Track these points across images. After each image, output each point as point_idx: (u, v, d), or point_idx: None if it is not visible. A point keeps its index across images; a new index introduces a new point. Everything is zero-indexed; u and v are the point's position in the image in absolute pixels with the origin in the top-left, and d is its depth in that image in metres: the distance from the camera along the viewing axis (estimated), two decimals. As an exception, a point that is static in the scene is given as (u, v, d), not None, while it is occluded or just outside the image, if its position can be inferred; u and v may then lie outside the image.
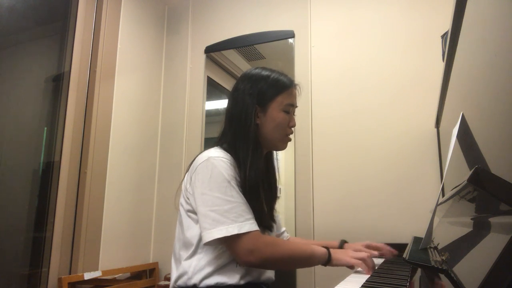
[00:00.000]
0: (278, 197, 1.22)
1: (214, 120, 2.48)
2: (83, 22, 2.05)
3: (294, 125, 1.14)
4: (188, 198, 1.04)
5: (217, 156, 1.00)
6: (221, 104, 2.72)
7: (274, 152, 1.23)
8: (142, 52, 2.33)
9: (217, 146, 1.09)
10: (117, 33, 2.14)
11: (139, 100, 2.28)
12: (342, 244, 1.26)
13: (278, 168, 1.23)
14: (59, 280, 1.69)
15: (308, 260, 1.02)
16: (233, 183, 0.98)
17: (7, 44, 1.83)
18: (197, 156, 1.07)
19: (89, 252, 1.87)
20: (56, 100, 1.95)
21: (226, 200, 0.95)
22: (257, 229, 0.96)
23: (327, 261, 1.02)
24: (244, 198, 0.98)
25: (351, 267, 1.05)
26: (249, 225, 0.94)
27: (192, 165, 1.06)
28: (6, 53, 1.82)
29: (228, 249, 0.97)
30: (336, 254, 1.04)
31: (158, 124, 2.42)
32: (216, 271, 0.98)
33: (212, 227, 0.93)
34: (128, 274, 2.09)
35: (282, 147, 1.15)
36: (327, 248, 1.04)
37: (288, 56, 2.16)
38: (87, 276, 1.78)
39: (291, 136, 1.15)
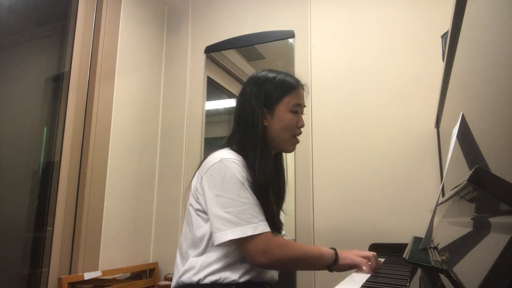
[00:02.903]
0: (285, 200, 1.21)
1: (214, 120, 2.49)
2: (83, 22, 2.05)
3: (302, 125, 1.13)
4: (198, 198, 1.04)
5: (230, 157, 1.01)
6: (221, 104, 2.72)
7: (283, 153, 1.23)
8: (142, 52, 2.33)
9: (227, 147, 1.09)
10: (117, 33, 2.14)
11: (139, 100, 2.28)
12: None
13: (287, 169, 1.23)
14: (59, 280, 1.69)
15: (317, 260, 1.03)
16: (246, 184, 0.99)
17: (7, 44, 1.83)
18: (208, 156, 1.07)
19: (89, 252, 1.87)
20: (56, 100, 1.95)
21: (240, 202, 0.96)
22: (269, 230, 0.97)
23: (335, 260, 1.03)
24: (256, 200, 0.99)
25: (356, 266, 1.05)
26: (263, 226, 0.96)
27: (203, 165, 1.06)
28: (6, 53, 1.82)
29: (241, 249, 0.98)
30: (343, 253, 1.04)
31: (158, 124, 2.42)
32: (222, 268, 0.99)
33: (227, 228, 0.94)
34: (128, 274, 2.09)
35: (290, 149, 1.14)
36: (334, 248, 1.05)
37: (288, 56, 2.15)
38: (87, 276, 1.78)
39: (299, 137, 1.15)
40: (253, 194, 0.99)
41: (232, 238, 0.93)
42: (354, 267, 1.04)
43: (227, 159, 1.00)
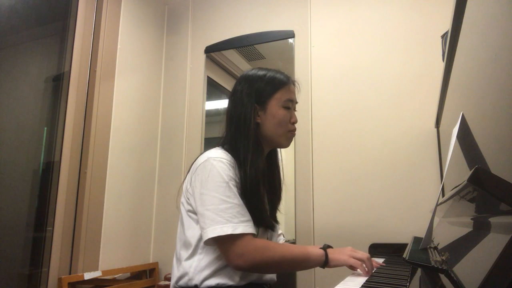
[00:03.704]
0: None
1: (214, 120, 2.48)
2: (83, 22, 2.05)
3: (295, 121, 1.14)
4: (188, 199, 1.04)
5: (217, 156, 1.01)
6: (221, 104, 2.72)
7: (278, 151, 1.23)
8: (142, 52, 2.33)
9: (218, 146, 1.09)
10: (117, 33, 2.14)
11: (139, 100, 2.28)
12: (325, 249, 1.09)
13: (282, 168, 1.22)
14: (59, 280, 1.69)
15: (302, 263, 1.00)
16: (231, 184, 0.98)
17: (7, 44, 1.83)
18: (198, 157, 1.08)
19: (89, 252, 1.87)
20: (56, 100, 1.95)
21: (222, 200, 0.95)
22: (250, 232, 0.95)
23: (324, 262, 1.00)
24: (241, 201, 0.98)
25: (350, 267, 1.04)
26: (243, 227, 0.94)
27: (193, 165, 1.06)
28: (6, 53, 1.82)
29: (219, 250, 0.97)
30: (334, 254, 1.01)
31: (158, 124, 2.42)
32: (216, 272, 0.98)
33: (207, 226, 0.94)
34: (128, 274, 2.09)
35: (285, 144, 1.14)
36: (324, 248, 1.02)
37: (288, 56, 2.15)
38: (87, 276, 1.78)
39: (294, 132, 1.15)
40: (238, 195, 0.98)
41: (211, 236, 0.92)
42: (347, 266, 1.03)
43: (213, 158, 1.00)
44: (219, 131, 1.17)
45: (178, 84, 2.43)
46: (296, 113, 1.16)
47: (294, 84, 1.16)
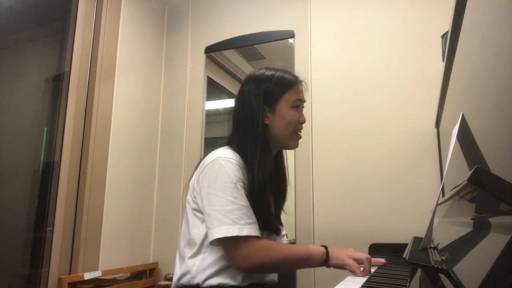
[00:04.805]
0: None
1: (214, 120, 2.49)
2: (83, 22, 2.05)
3: (304, 121, 1.13)
4: (195, 197, 1.04)
5: (226, 156, 1.00)
6: (221, 104, 2.72)
7: (284, 152, 1.22)
8: (142, 52, 2.33)
9: (226, 146, 1.08)
10: (117, 33, 2.14)
11: (139, 100, 2.28)
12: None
13: (288, 168, 1.21)
14: (59, 280, 1.69)
15: (305, 261, 1.01)
16: (239, 185, 0.97)
17: (7, 44, 1.83)
18: (206, 155, 1.06)
19: (89, 252, 1.87)
20: (56, 100, 1.95)
21: (229, 201, 0.94)
22: (256, 235, 0.95)
23: (325, 260, 1.01)
24: (247, 202, 0.97)
25: (347, 267, 1.03)
26: (249, 229, 0.94)
27: (201, 164, 1.05)
28: (6, 53, 1.82)
29: (224, 251, 0.97)
30: (334, 253, 1.02)
31: (158, 124, 2.42)
32: (219, 272, 0.98)
33: (214, 226, 0.93)
34: (128, 274, 2.09)
35: (293, 145, 1.13)
36: (326, 247, 1.04)
37: (288, 56, 2.16)
38: (87, 276, 1.78)
39: (300, 133, 1.14)
40: (245, 196, 0.97)
41: (217, 237, 0.92)
42: (345, 268, 1.03)
43: (222, 158, 0.99)
44: (224, 131, 1.16)
45: (178, 84, 2.43)
46: None
47: (302, 84, 1.16)
